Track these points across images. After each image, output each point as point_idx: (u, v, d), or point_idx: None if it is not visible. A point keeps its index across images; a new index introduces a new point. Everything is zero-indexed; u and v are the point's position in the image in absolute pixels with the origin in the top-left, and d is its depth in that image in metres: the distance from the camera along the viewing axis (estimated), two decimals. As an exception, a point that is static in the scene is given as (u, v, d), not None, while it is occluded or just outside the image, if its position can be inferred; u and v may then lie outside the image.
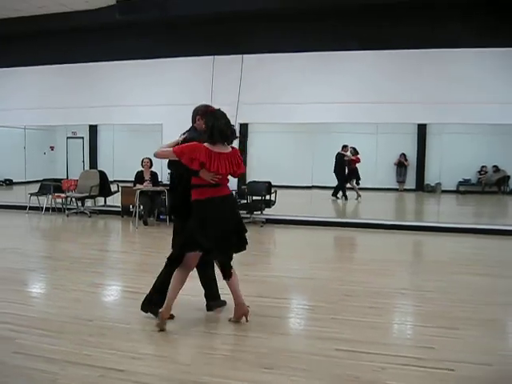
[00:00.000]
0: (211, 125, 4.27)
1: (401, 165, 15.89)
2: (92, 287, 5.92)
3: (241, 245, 4.55)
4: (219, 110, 4.42)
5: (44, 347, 3.99)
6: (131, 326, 4.45)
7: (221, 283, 4.79)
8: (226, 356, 3.97)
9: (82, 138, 15.15)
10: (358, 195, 14.18)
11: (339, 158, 14.01)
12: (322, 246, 9.49)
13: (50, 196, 12.45)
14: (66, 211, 12.40)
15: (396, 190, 16.09)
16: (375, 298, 5.50)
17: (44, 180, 13.02)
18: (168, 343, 4.24)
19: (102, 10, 11.19)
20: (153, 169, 11.09)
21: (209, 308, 4.94)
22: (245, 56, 11.26)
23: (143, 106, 11.86)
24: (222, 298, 5.00)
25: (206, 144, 4.25)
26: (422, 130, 15.05)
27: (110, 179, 12.67)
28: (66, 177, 13.80)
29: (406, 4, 9.86)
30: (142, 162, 11.07)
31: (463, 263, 7.55)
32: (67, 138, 15.33)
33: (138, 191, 10.76)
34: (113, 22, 11.14)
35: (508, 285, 6.30)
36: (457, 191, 15.37)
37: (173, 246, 4.65)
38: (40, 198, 12.56)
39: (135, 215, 10.90)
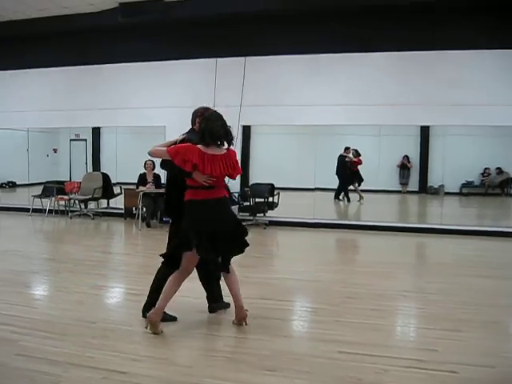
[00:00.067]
0: (203, 126, 4.29)
1: (404, 167, 15.84)
2: (95, 289, 5.92)
3: (238, 247, 4.51)
4: (215, 112, 4.42)
5: (47, 349, 3.99)
6: (134, 328, 4.44)
7: (223, 285, 4.78)
8: (228, 358, 3.96)
9: (85, 140, 15.14)
10: (361, 197, 14.15)
11: (341, 159, 13.99)
12: (324, 248, 9.49)
13: (53, 198, 12.48)
14: (69, 213, 12.42)
15: (399, 192, 16.05)
16: (378, 300, 5.49)
17: (47, 182, 13.06)
18: (170, 345, 4.24)
19: (104, 13, 11.22)
20: (155, 171, 11.11)
21: (211, 310, 4.94)
22: (247, 58, 11.28)
23: (146, 108, 11.88)
24: (225, 301, 4.98)
25: (199, 146, 4.25)
26: (425, 131, 15.00)
27: (113, 181, 12.69)
28: (69, 179, 13.82)
29: (407, 7, 9.87)
30: (145, 164, 11.09)
31: (466, 265, 7.53)
32: (70, 140, 15.32)
33: (141, 193, 10.77)
34: (115, 24, 11.18)
35: (511, 287, 6.29)
36: (460, 193, 15.32)
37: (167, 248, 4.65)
38: (43, 200, 12.58)
39: (138, 217, 10.92)
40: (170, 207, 4.79)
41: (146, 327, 4.33)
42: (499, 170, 14.99)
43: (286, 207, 11.32)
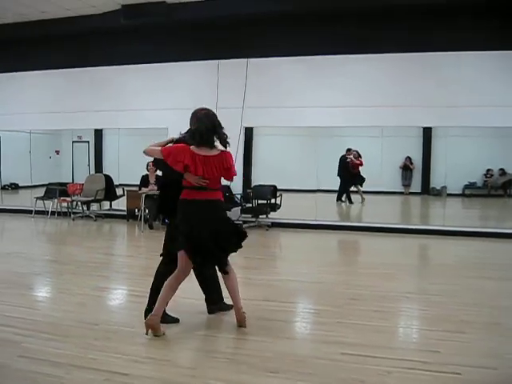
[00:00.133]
0: (194, 127, 4.30)
1: (406, 168, 15.84)
2: (97, 291, 5.93)
3: (230, 246, 4.45)
4: (209, 112, 4.38)
5: (49, 351, 3.99)
6: (136, 329, 4.44)
7: (223, 286, 4.78)
8: (230, 360, 3.95)
9: (88, 142, 15.16)
10: (362, 199, 14.15)
11: (343, 161, 14.00)
12: (327, 249, 9.49)
13: (56, 200, 12.49)
14: (72, 215, 12.44)
15: (401, 193, 16.05)
16: (381, 301, 5.48)
17: (50, 184, 13.08)
18: (172, 347, 4.24)
19: (107, 15, 11.23)
20: (158, 173, 11.11)
21: (210, 311, 4.94)
22: (250, 60, 11.29)
23: (148, 110, 11.89)
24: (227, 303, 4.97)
25: (192, 147, 4.25)
26: (427, 133, 15.00)
27: (116, 183, 12.71)
28: (71, 181, 13.81)
29: (407, 9, 9.87)
30: (148, 165, 11.08)
31: (469, 267, 7.52)
32: (73, 142, 15.35)
33: (144, 195, 10.77)
34: (118, 26, 11.20)
35: (514, 288, 6.29)
36: (462, 194, 15.31)
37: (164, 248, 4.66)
38: (46, 202, 12.59)
39: (140, 219, 10.92)
40: (164, 206, 4.79)
41: (146, 333, 4.32)
42: (502, 171, 14.97)
43: (289, 209, 11.31)
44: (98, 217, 12.37)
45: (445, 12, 9.87)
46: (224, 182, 4.64)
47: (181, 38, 11.44)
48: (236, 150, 11.07)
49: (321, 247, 9.55)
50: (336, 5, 10.09)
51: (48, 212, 12.54)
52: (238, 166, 11.18)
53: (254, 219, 11.14)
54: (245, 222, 11.05)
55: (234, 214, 10.99)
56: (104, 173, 13.11)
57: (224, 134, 4.36)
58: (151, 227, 10.78)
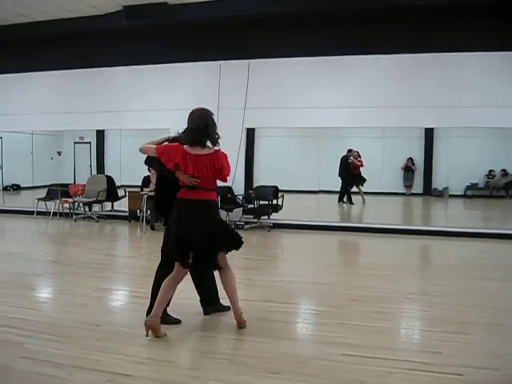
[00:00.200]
0: (188, 127, 4.31)
1: (408, 169, 15.86)
2: (99, 292, 5.94)
3: (221, 246, 4.40)
4: (203, 112, 4.37)
5: (51, 352, 4.00)
6: (138, 330, 4.43)
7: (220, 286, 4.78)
8: (231, 361, 3.96)
9: (90, 143, 15.19)
10: (363, 199, 14.15)
11: (344, 161, 14.02)
12: (329, 250, 9.49)
13: (58, 201, 12.50)
14: (74, 216, 12.45)
15: (403, 194, 16.05)
16: (382, 302, 5.48)
17: (51, 185, 13.08)
18: (173, 348, 4.25)
19: (108, 16, 11.24)
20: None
21: (206, 312, 4.95)
22: (251, 61, 11.28)
23: (150, 110, 11.88)
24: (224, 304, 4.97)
25: (185, 146, 4.27)
26: (429, 133, 15.01)
27: (118, 184, 12.70)
28: (73, 182, 13.84)
29: (409, 9, 9.87)
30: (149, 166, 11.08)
31: (470, 267, 7.51)
32: (74, 143, 15.38)
33: (145, 196, 10.77)
34: (120, 27, 11.20)
35: (516, 289, 6.29)
36: (464, 195, 15.30)
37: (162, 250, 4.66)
38: (47, 202, 12.60)
39: (142, 220, 10.92)
40: (160, 206, 4.80)
41: (147, 335, 4.32)
42: (504, 172, 14.98)
43: (291, 210, 11.30)
44: (99, 218, 12.37)
45: (446, 13, 9.86)
46: (225, 182, 4.61)
47: (182, 38, 11.44)
48: (238, 151, 11.09)
49: (322, 248, 9.55)
50: (338, 6, 10.09)
51: (50, 213, 12.55)
52: (240, 167, 11.22)
53: (255, 220, 11.14)
54: (247, 222, 11.06)
55: (236, 215, 11.01)
56: (106, 174, 13.12)
57: (215, 133, 4.34)
58: (153, 228, 10.78)
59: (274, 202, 11.11)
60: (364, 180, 14.12)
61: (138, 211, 11.68)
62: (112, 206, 13.02)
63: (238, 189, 11.35)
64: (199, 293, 4.98)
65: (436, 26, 10.01)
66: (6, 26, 12.07)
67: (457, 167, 12.91)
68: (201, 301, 4.98)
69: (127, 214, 12.15)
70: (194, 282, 4.91)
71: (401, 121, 10.70)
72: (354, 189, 14.25)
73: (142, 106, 11.95)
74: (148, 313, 4.50)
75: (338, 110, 10.72)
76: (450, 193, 13.26)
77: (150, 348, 4.19)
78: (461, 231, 10.06)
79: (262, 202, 11.31)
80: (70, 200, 12.46)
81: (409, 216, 14.59)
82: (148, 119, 11.88)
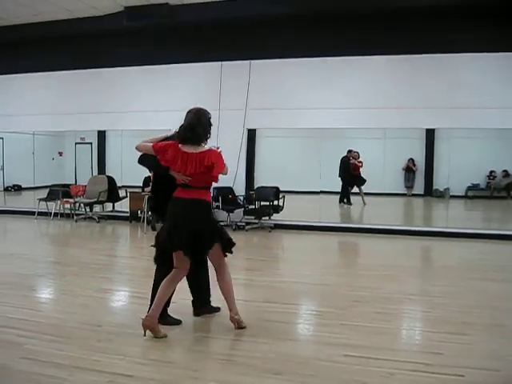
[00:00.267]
0: (182, 125, 4.35)
1: (409, 170, 15.85)
2: (100, 292, 5.94)
3: (208, 246, 4.33)
4: (198, 111, 4.38)
5: (52, 353, 4.00)
6: (139, 331, 4.42)
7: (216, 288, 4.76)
8: (232, 361, 3.95)
9: (91, 143, 15.18)
10: (364, 200, 14.14)
11: (344, 162, 14.02)
12: (330, 251, 9.49)
13: (59, 201, 12.51)
14: (75, 217, 12.46)
15: (404, 195, 16.05)
16: (384, 303, 5.48)
17: (52, 185, 13.09)
18: (175, 348, 4.25)
19: (109, 17, 11.24)
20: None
21: (197, 314, 4.93)
22: (252, 62, 11.29)
23: (151, 111, 11.89)
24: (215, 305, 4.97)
25: (180, 144, 4.30)
26: (430, 134, 15.00)
27: (119, 185, 12.71)
28: (74, 182, 13.83)
29: (410, 11, 9.87)
30: (150, 167, 11.07)
31: (471, 268, 7.51)
32: (76, 143, 15.37)
33: (146, 196, 10.76)
34: (121, 28, 11.19)
35: (517, 290, 6.28)
36: (465, 196, 15.29)
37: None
38: (48, 203, 12.61)
39: (143, 220, 10.93)
40: (157, 206, 4.81)
41: (144, 334, 4.32)
42: (505, 173, 14.98)
43: (291, 210, 11.31)
44: (100, 218, 12.37)
45: (447, 14, 9.85)
46: (216, 182, 4.55)
47: (184, 39, 11.44)
48: (239, 151, 11.09)
49: (323, 249, 9.56)
50: (338, 7, 10.08)
51: (51, 213, 12.56)
52: (241, 168, 11.22)
53: (256, 221, 11.14)
54: (248, 223, 11.05)
55: (237, 215, 11.01)
56: (107, 174, 13.11)
57: (204, 132, 4.32)
58: (154, 229, 10.75)
59: (275, 202, 11.11)
60: (364, 181, 14.12)
61: (139, 212, 11.70)
62: (113, 207, 13.03)
63: (239, 189, 11.36)
64: (194, 294, 4.96)
65: (437, 27, 10.01)
66: (6, 26, 12.07)
67: (458, 168, 12.89)
68: (193, 302, 4.96)
69: (128, 214, 12.16)
70: (189, 283, 4.88)
71: (402, 122, 10.70)
72: (355, 189, 14.25)
73: (143, 106, 11.96)
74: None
75: (339, 111, 10.73)
76: (451, 194, 13.22)
77: (151, 349, 4.19)
78: (462, 232, 10.07)
79: (262, 203, 11.30)
80: (71, 200, 12.48)
81: (410, 217, 14.60)
82: (149, 120, 11.86)
